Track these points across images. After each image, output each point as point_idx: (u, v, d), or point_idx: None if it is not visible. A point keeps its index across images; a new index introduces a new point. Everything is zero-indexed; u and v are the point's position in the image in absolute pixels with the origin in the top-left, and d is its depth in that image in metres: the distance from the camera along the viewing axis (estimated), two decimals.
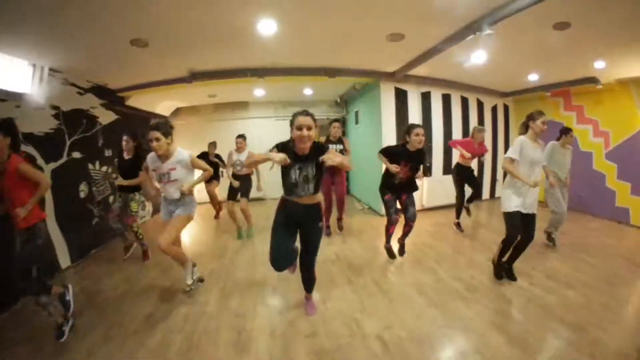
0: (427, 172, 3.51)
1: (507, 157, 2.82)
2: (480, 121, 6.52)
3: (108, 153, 5.04)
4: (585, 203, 5.67)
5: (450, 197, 4.84)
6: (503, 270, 3.04)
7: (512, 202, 2.82)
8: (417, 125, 3.25)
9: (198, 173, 2.99)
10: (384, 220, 3.59)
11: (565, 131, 3.86)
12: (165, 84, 4.98)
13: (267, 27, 3.15)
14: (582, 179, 5.62)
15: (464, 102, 6.30)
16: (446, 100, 6.06)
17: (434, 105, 5.94)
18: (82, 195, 4.37)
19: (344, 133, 7.96)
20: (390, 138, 5.50)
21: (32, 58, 3.49)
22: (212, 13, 2.86)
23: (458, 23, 3.18)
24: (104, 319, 2.58)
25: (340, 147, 4.43)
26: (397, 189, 3.38)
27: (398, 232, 3.60)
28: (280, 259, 2.31)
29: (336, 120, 4.53)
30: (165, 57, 3.93)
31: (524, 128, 2.90)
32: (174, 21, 2.98)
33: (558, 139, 3.88)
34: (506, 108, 7.09)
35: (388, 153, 3.37)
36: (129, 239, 4.10)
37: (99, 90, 4.80)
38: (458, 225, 4.65)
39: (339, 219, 4.74)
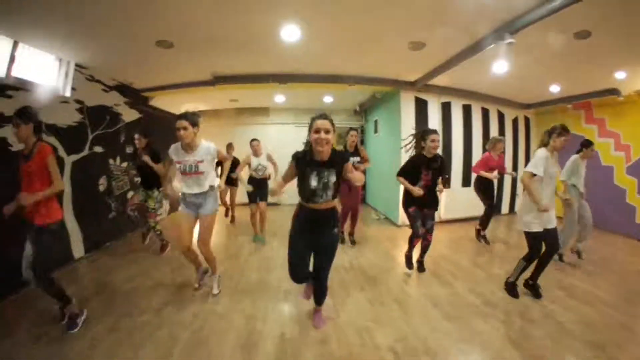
0: (447, 183, 3.42)
1: (527, 171, 2.68)
2: (501, 133, 6.37)
3: (129, 150, 5.15)
4: (605, 219, 5.40)
5: (469, 209, 4.72)
6: (529, 287, 2.93)
7: (534, 223, 2.72)
8: (432, 131, 3.19)
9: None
10: (399, 231, 3.55)
11: (587, 144, 3.73)
12: (188, 86, 5.10)
13: (290, 33, 3.19)
14: (603, 194, 5.42)
15: (485, 114, 6.18)
16: (467, 110, 5.97)
17: (454, 116, 5.86)
18: (101, 188, 4.48)
19: (361, 142, 7.96)
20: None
21: (59, 52, 3.62)
22: (237, 17, 2.91)
23: (479, 32, 3.16)
24: (113, 309, 2.60)
25: (357, 158, 4.35)
26: (420, 202, 3.27)
27: (416, 248, 3.53)
28: (298, 269, 2.26)
29: (353, 128, 4.45)
30: (190, 59, 4.02)
31: (547, 137, 2.78)
32: (200, 24, 3.05)
33: (578, 152, 3.75)
34: (527, 120, 6.92)
35: (407, 171, 3.27)
36: (145, 226, 4.18)
37: (124, 89, 4.94)
38: (484, 237, 4.49)
39: (351, 234, 4.59)
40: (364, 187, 7.57)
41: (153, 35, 3.27)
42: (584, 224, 3.75)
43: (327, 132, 1.98)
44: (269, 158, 4.58)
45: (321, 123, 1.98)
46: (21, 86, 3.21)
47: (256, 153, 4.51)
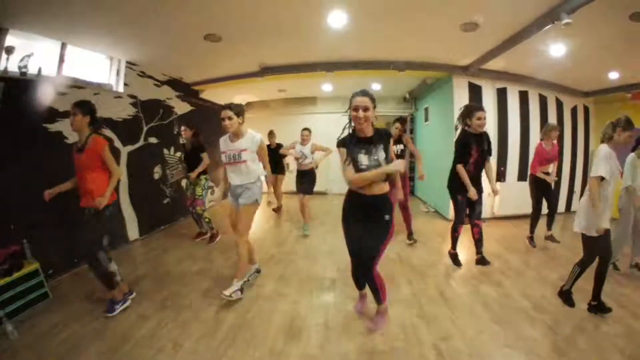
0: (502, 177, 3.19)
1: (597, 177, 2.37)
2: (560, 122, 5.77)
3: (182, 140, 5.46)
4: None
5: (525, 206, 4.36)
6: (594, 309, 2.55)
7: (587, 224, 2.47)
8: (479, 107, 3.02)
9: None
10: (450, 225, 3.40)
11: None
12: (237, 79, 5.26)
13: (337, 19, 3.13)
14: None
15: (543, 101, 5.64)
16: (523, 97, 5.49)
17: (511, 102, 5.41)
18: (156, 176, 4.83)
19: (411, 131, 7.67)
20: None
21: (108, 52, 3.89)
22: (284, 6, 2.91)
23: (535, 11, 2.92)
24: (163, 288, 2.77)
25: (400, 147, 4.21)
26: (462, 185, 3.14)
27: (470, 244, 3.41)
28: (358, 260, 2.15)
29: (398, 120, 4.29)
30: (238, 51, 4.13)
31: (611, 131, 2.46)
32: (247, 16, 3.10)
33: (634, 150, 3.29)
34: (586, 110, 6.25)
35: (462, 149, 3.10)
36: (204, 227, 4.30)
37: (174, 83, 5.24)
38: (531, 239, 4.17)
39: (409, 232, 4.22)
40: (412, 178, 6.94)
41: (201, 29, 3.37)
42: (638, 232, 3.28)
43: (365, 109, 1.93)
44: (315, 147, 4.59)
45: (360, 100, 1.94)
46: (75, 84, 3.48)
47: (304, 142, 4.61)
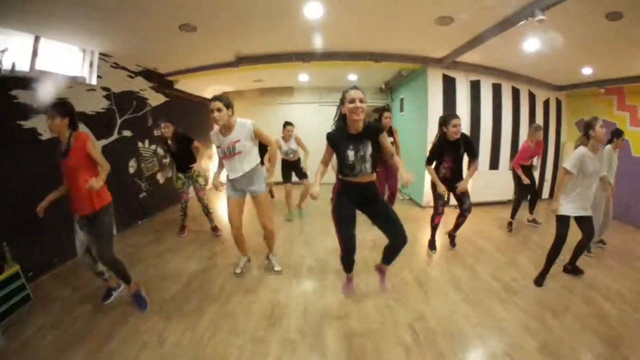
0: (475, 154, 3.34)
1: (563, 167, 2.69)
2: (532, 115, 6.07)
3: (157, 132, 5.33)
4: (633, 213, 5.11)
5: (496, 194, 4.59)
6: (569, 272, 3.02)
7: (565, 207, 2.73)
8: (454, 116, 3.17)
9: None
10: (424, 212, 3.54)
11: (618, 133, 3.55)
12: (212, 68, 5.13)
13: (313, 9, 3.12)
14: (632, 187, 5.08)
15: (515, 94, 5.85)
16: (496, 90, 5.67)
17: (484, 95, 5.58)
18: (131, 170, 4.71)
19: None
20: (436, 125, 5.30)
21: (81, 43, 3.73)
22: None
23: (510, 7, 3.00)
24: (144, 283, 2.71)
25: (390, 139, 4.28)
26: (447, 182, 3.33)
27: (448, 223, 3.56)
28: (351, 244, 2.22)
29: (386, 109, 4.33)
30: (213, 41, 4.04)
31: (586, 139, 2.69)
32: (222, 5, 3.04)
33: (610, 142, 3.55)
34: (559, 103, 6.53)
35: (435, 154, 3.29)
36: (213, 221, 4.17)
37: (148, 74, 5.08)
38: (510, 224, 4.46)
39: None
40: None
41: (176, 19, 3.28)
42: (606, 221, 3.66)
43: (361, 101, 2.01)
44: (297, 141, 4.64)
45: (355, 93, 2.02)
46: (47, 78, 3.31)
47: (287, 138, 4.60)
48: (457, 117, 3.15)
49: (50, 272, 3.10)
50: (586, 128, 2.67)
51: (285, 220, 4.68)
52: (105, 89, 4.19)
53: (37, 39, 3.24)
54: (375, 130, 2.13)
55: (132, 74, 4.72)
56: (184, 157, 3.98)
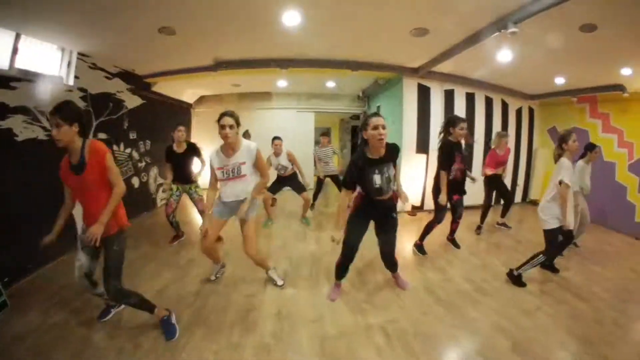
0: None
1: (566, 183, 2.68)
2: (504, 123, 6.33)
3: (133, 136, 5.23)
4: (604, 215, 5.43)
5: (470, 198, 4.72)
6: (547, 267, 3.23)
7: (554, 220, 2.80)
8: (462, 119, 3.27)
9: None
10: (402, 218, 3.58)
11: (592, 147, 3.72)
12: (190, 72, 5.09)
13: (291, 18, 3.16)
14: (604, 191, 5.35)
15: (488, 103, 6.11)
16: (470, 99, 5.90)
17: (458, 104, 5.79)
18: None
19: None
20: (410, 133, 5.47)
21: (61, 42, 3.63)
22: (238, 2, 2.89)
23: (484, 20, 3.11)
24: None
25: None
26: (451, 189, 3.38)
27: (413, 232, 3.67)
28: (353, 254, 2.48)
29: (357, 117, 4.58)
30: (192, 45, 4.01)
31: (560, 150, 2.83)
32: (201, 10, 3.04)
33: (583, 157, 3.74)
34: (531, 111, 6.85)
35: (447, 156, 3.29)
36: (182, 231, 4.10)
37: (126, 76, 4.97)
38: (479, 228, 4.63)
39: None
40: None
41: (156, 22, 3.26)
42: (583, 225, 3.85)
43: (384, 127, 2.11)
44: (292, 159, 4.62)
45: (378, 120, 2.11)
46: (24, 77, 3.23)
47: (276, 152, 4.56)
48: (465, 120, 3.27)
49: (26, 278, 2.99)
50: (560, 141, 2.81)
51: (263, 227, 4.64)
52: (82, 89, 4.08)
53: (17, 37, 3.14)
54: (396, 150, 2.31)
55: (109, 75, 4.61)
56: (187, 167, 3.88)
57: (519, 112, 6.61)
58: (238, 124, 2.41)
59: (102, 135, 4.47)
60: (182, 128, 3.80)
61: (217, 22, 3.35)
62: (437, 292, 2.79)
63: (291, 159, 4.58)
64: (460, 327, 2.30)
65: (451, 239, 3.92)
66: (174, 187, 3.85)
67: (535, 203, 6.72)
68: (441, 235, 4.31)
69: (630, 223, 5.06)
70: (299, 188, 4.71)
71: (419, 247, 3.66)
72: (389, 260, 2.69)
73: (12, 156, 2.94)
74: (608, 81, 4.83)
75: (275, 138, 4.54)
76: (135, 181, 5.31)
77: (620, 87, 4.80)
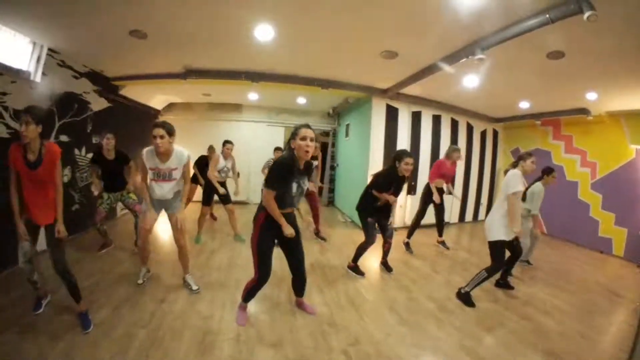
0: (412, 190, 3.56)
1: (516, 192, 2.76)
2: (469, 145, 6.64)
3: (96, 140, 4.96)
4: (568, 231, 5.75)
5: (432, 216, 4.87)
6: (501, 286, 3.33)
7: (501, 232, 2.87)
8: (409, 154, 3.28)
9: None
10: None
11: (549, 171, 3.85)
12: (160, 78, 4.98)
13: (264, 32, 3.19)
14: (566, 208, 5.73)
15: (454, 125, 6.40)
16: (436, 121, 6.15)
17: (424, 125, 6.02)
18: (65, 179, 4.29)
19: (332, 144, 8.14)
20: (378, 152, 5.58)
21: (33, 35, 3.46)
22: (211, 12, 2.88)
23: (452, 46, 3.25)
24: (72, 305, 2.48)
25: (316, 162, 4.59)
26: (379, 212, 3.45)
27: (377, 253, 3.71)
28: (269, 272, 2.37)
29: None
30: (162, 51, 3.94)
31: (514, 166, 2.99)
32: (174, 17, 3.00)
33: (539, 179, 3.86)
34: (495, 133, 7.24)
35: (384, 183, 3.33)
36: (110, 239, 4.05)
37: (94, 76, 4.76)
38: (407, 245, 4.56)
39: (318, 231, 4.95)
40: (332, 190, 8.21)
41: (127, 24, 3.18)
42: (533, 245, 4.01)
43: (312, 140, 2.13)
44: (233, 163, 4.67)
45: (307, 131, 2.13)
46: None
47: (225, 155, 4.55)
48: (411, 156, 3.27)
49: None
50: (518, 159, 2.96)
51: (195, 243, 4.41)
52: (48, 87, 3.87)
53: None
54: (311, 165, 2.33)
55: (77, 74, 4.39)
56: (117, 175, 3.81)
57: (483, 134, 6.96)
58: (170, 133, 2.63)
59: (63, 138, 4.23)
60: (111, 136, 3.75)
61: (189, 30, 3.32)
62: (400, 312, 2.80)
63: (233, 164, 4.68)
64: (423, 347, 2.31)
65: (384, 261, 3.74)
66: (105, 195, 3.83)
67: None
68: (406, 255, 4.40)
69: (594, 238, 5.37)
70: (227, 199, 4.53)
71: (353, 269, 3.58)
72: (301, 280, 2.58)
73: None
74: (573, 105, 5.13)
75: (226, 142, 4.59)
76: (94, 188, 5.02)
77: (584, 111, 5.09)
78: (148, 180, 2.81)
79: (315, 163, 4.47)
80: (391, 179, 3.32)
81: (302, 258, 2.48)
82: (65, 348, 2.06)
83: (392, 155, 3.43)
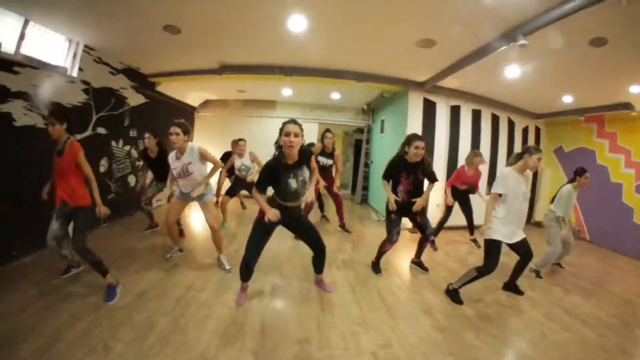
0: (433, 178, 3.24)
1: (495, 193, 2.67)
2: (510, 142, 6.24)
3: (133, 133, 5.15)
4: (610, 238, 5.31)
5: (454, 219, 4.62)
6: (510, 289, 3.14)
7: (498, 232, 2.69)
8: (419, 137, 3.06)
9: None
10: (402, 236, 3.41)
11: (581, 172, 3.53)
12: (195, 74, 5.07)
13: (297, 23, 3.13)
14: (610, 213, 5.31)
15: (495, 120, 6.01)
16: (476, 116, 5.80)
17: (463, 120, 5.69)
18: (101, 169, 4.48)
19: (367, 141, 7.91)
20: None
21: (69, 33, 3.63)
22: (243, 4, 2.86)
23: (492, 31, 3.04)
24: (98, 289, 2.57)
25: (330, 161, 4.42)
26: (406, 209, 3.16)
27: (413, 249, 3.59)
28: (256, 259, 2.48)
29: (328, 130, 4.45)
30: (197, 46, 3.99)
31: (516, 159, 2.77)
32: (207, 11, 3.01)
33: (571, 181, 3.57)
34: (538, 130, 6.74)
35: (390, 172, 3.20)
36: (155, 220, 4.41)
37: (131, 73, 4.94)
38: (432, 242, 4.41)
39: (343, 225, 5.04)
40: (366, 187, 7.99)
41: (161, 19, 3.23)
42: (567, 249, 3.70)
43: (295, 135, 2.20)
44: (253, 158, 4.59)
45: (292, 127, 2.21)
46: (29, 63, 3.25)
47: (240, 153, 4.55)
48: (421, 139, 3.03)
49: (12, 263, 2.98)
50: (523, 152, 2.71)
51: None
52: (84, 82, 4.05)
53: (26, 23, 3.17)
54: (308, 154, 2.40)
55: (114, 70, 4.57)
56: (161, 170, 4.01)
57: (525, 131, 6.52)
58: (185, 132, 2.94)
59: (101, 130, 4.41)
60: (147, 135, 4.03)
61: (223, 24, 3.32)
62: (435, 316, 2.59)
63: (253, 158, 4.58)
64: (458, 355, 2.11)
65: (417, 260, 3.56)
66: (154, 182, 4.27)
67: (540, 224, 6.59)
68: (441, 255, 4.19)
69: (637, 246, 4.91)
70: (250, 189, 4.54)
71: (375, 266, 3.43)
72: (322, 257, 2.70)
73: (10, 140, 2.99)
74: (616, 99, 4.78)
75: (239, 139, 4.59)
76: (132, 179, 5.21)
77: (628, 106, 4.75)
78: (172, 179, 3.15)
79: (329, 161, 4.43)
80: (401, 166, 3.10)
81: (316, 235, 2.61)
82: (87, 327, 2.10)
83: (403, 142, 3.19)
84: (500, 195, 2.64)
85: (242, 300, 2.55)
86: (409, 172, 3.10)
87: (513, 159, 2.82)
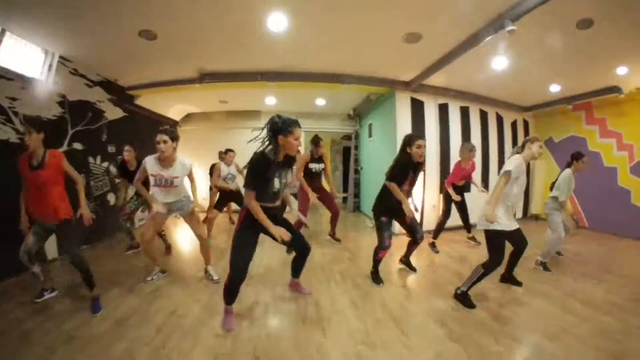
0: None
1: (506, 171, 2.53)
2: (500, 136, 6.21)
3: (111, 149, 4.88)
4: (609, 222, 5.33)
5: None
6: (507, 280, 3.10)
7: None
8: (419, 136, 2.97)
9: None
10: (396, 239, 3.23)
11: (578, 156, 3.53)
12: (174, 84, 4.87)
13: (277, 22, 3.01)
14: (607, 197, 5.33)
15: (483, 116, 5.98)
16: (464, 113, 5.75)
17: (452, 118, 5.63)
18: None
19: (355, 147, 7.86)
20: None
21: (44, 43, 3.47)
22: (221, 5, 2.76)
23: (480, 19, 2.99)
24: (75, 315, 2.37)
25: (322, 166, 4.31)
26: (396, 211, 3.02)
27: (401, 252, 3.47)
28: (245, 273, 2.21)
29: (317, 135, 4.32)
30: (174, 53, 3.83)
31: (522, 148, 2.72)
32: (183, 14, 2.89)
33: (569, 166, 3.55)
34: (526, 124, 6.77)
35: (402, 174, 3.00)
36: (136, 240, 4.11)
37: (108, 85, 4.71)
38: (433, 245, 4.35)
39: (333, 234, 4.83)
40: (358, 194, 7.91)
41: (135, 23, 3.08)
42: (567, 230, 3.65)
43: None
44: (238, 169, 4.63)
45: (300, 131, 2.14)
46: (5, 75, 3.13)
47: (227, 163, 4.53)
48: (421, 137, 2.97)
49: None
50: (524, 143, 2.70)
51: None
52: (60, 95, 3.84)
53: (2, 32, 3.01)
54: (293, 158, 2.27)
55: (90, 82, 4.35)
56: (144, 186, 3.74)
57: (514, 125, 6.53)
58: (173, 139, 2.78)
59: (77, 146, 4.16)
60: (127, 148, 3.83)
61: (200, 26, 3.18)
62: (449, 324, 2.36)
63: (238, 169, 4.68)
64: None
65: (407, 260, 3.50)
66: (134, 197, 4.02)
67: (537, 217, 6.60)
68: (444, 257, 4.03)
69: (637, 227, 4.93)
70: (239, 199, 4.48)
71: (374, 275, 3.22)
72: (306, 252, 2.53)
73: None
74: (604, 84, 4.81)
75: (228, 150, 4.63)
76: (111, 198, 4.89)
77: (616, 89, 4.78)
78: (151, 187, 2.91)
79: (320, 166, 4.31)
80: (408, 167, 2.99)
81: (299, 234, 2.48)
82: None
83: (402, 144, 3.05)
84: (509, 176, 2.53)
85: (231, 324, 2.28)
86: (414, 172, 3.03)
87: (519, 149, 2.75)
